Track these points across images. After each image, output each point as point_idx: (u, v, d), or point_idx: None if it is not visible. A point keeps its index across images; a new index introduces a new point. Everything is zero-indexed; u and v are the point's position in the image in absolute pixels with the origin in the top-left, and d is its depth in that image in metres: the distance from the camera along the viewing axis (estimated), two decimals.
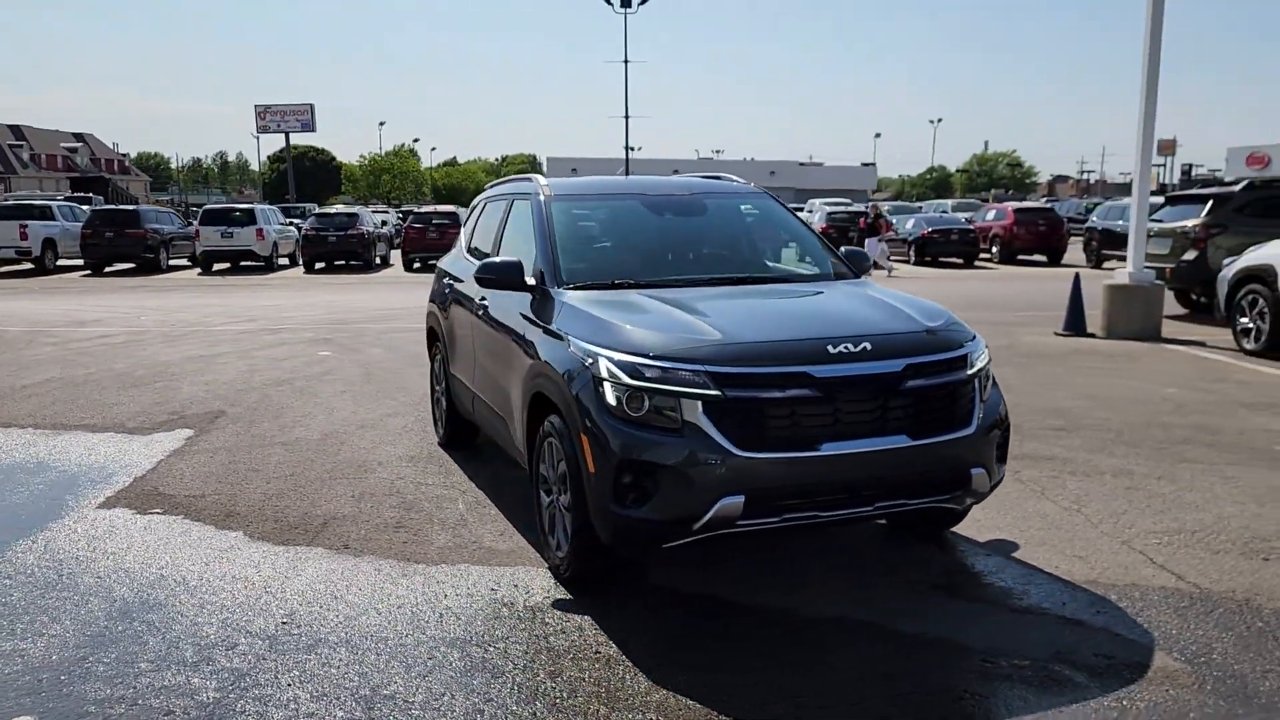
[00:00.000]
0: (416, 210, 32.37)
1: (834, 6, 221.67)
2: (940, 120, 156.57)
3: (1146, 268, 12.58)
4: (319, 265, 29.30)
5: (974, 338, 4.56)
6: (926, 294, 5.44)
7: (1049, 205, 36.59)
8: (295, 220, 36.19)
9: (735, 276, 5.35)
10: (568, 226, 5.47)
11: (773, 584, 4.60)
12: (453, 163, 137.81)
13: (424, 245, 29.00)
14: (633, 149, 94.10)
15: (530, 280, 5.15)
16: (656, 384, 4.05)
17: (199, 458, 6.96)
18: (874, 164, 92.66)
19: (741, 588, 4.55)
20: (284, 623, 4.21)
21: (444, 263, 7.32)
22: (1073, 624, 4.10)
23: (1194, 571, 4.62)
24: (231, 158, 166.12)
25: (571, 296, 4.86)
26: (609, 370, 4.16)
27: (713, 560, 4.82)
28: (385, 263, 31.51)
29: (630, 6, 47.70)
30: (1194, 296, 14.95)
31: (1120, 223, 26.73)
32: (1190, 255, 13.86)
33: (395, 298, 19.52)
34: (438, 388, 7.33)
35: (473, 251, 6.74)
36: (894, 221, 31.78)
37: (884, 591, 4.50)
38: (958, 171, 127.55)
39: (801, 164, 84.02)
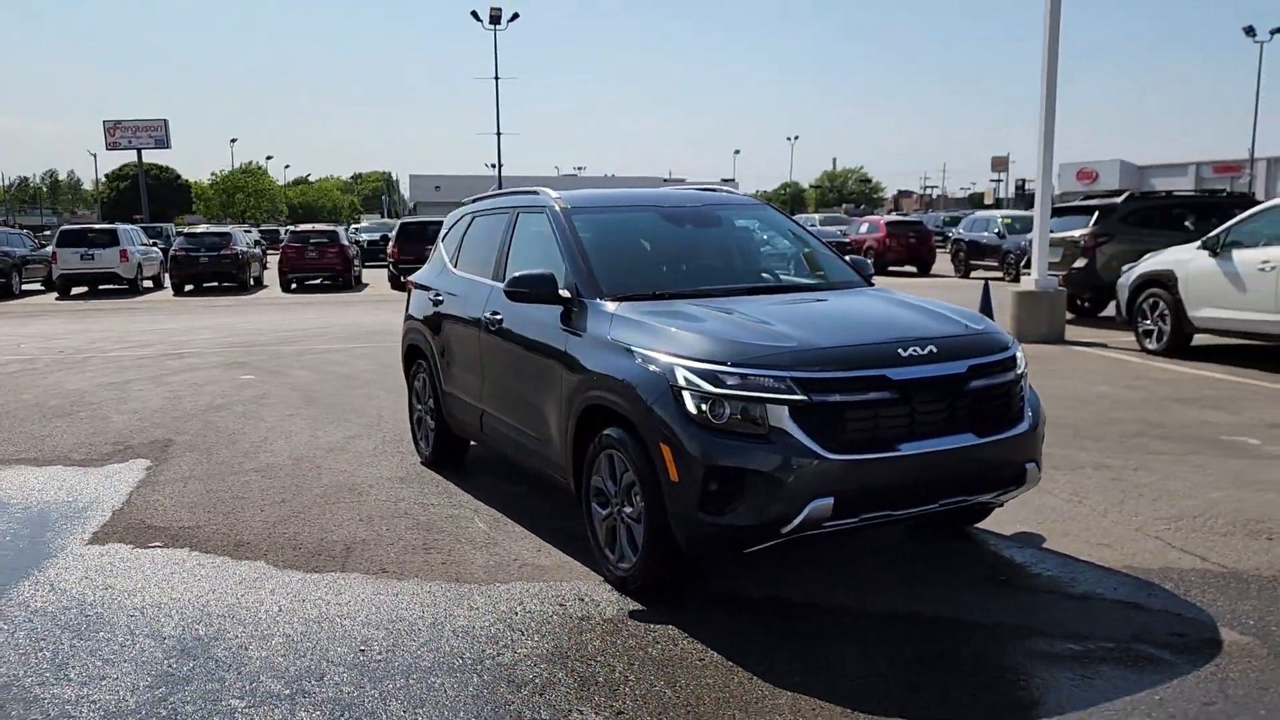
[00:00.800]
0: (295, 229, 31.34)
1: (695, 24, 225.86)
2: (797, 138, 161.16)
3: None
4: (188, 288, 28.03)
5: (1012, 339, 4.78)
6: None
7: (918, 219, 38.07)
8: (154, 241, 34.57)
9: (768, 285, 5.45)
10: (594, 238, 5.45)
11: (834, 584, 4.69)
12: (304, 180, 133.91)
13: (303, 265, 28.19)
14: (492, 166, 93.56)
15: (564, 293, 5.12)
16: (739, 391, 4.10)
17: (171, 488, 6.60)
18: (734, 179, 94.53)
19: (806, 589, 4.63)
20: (362, 650, 4.05)
21: (423, 279, 7.16)
22: (1132, 607, 4.34)
23: (1214, 553, 4.94)
24: (62, 176, 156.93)
25: (619, 307, 4.85)
26: (687, 379, 4.18)
27: (765, 563, 4.88)
28: (260, 284, 30.38)
29: (500, 24, 47.52)
30: (1080, 301, 15.90)
31: (985, 234, 28.18)
32: (1080, 263, 14.75)
33: (289, 319, 18.88)
34: (419, 406, 7.17)
35: (461, 267, 6.63)
36: None
37: (942, 586, 4.65)
38: (811, 187, 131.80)
39: (665, 179, 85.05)
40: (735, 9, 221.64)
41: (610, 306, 4.90)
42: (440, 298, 6.67)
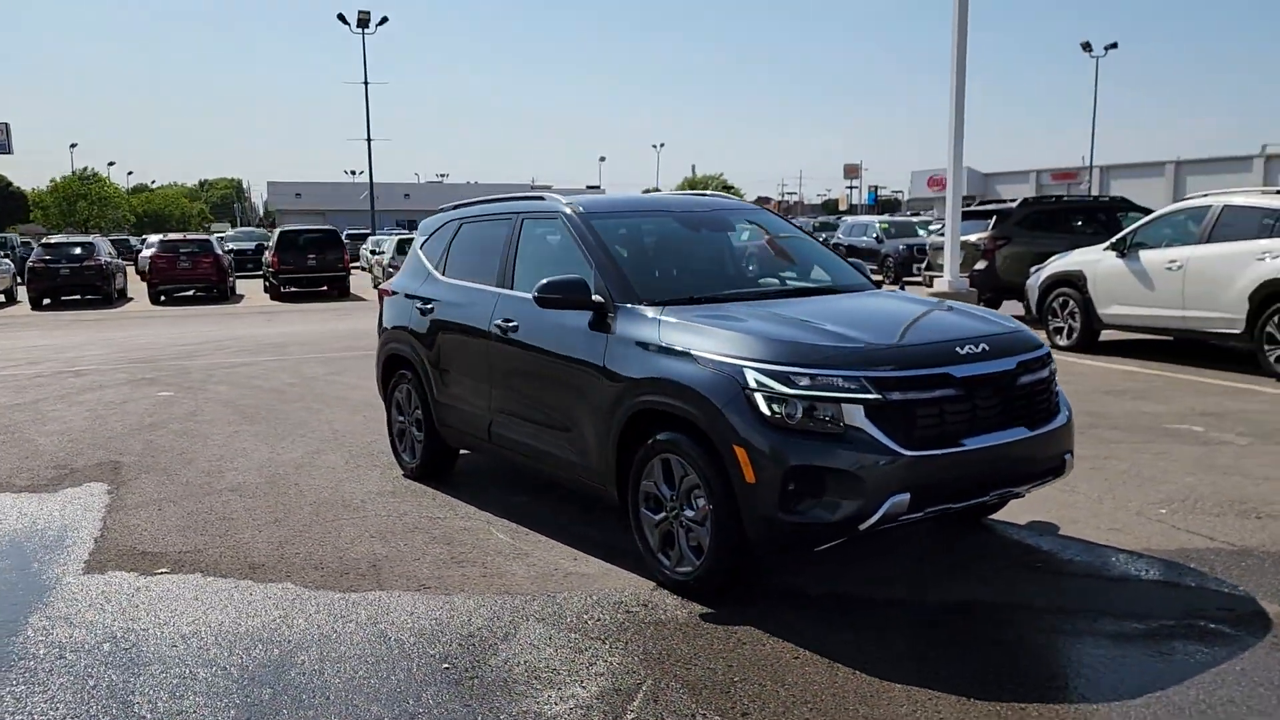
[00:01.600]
0: (165, 238, 29.93)
1: (562, 30, 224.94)
2: (663, 145, 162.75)
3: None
4: (47, 301, 26.40)
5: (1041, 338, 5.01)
6: None
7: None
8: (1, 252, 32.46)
9: (795, 288, 5.54)
10: (618, 244, 5.43)
11: (884, 578, 4.80)
12: (145, 188, 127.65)
13: (175, 277, 26.98)
14: (354, 173, 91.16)
15: (597, 298, 5.09)
16: (813, 391, 4.16)
17: (146, 512, 6.24)
18: (599, 186, 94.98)
19: (860, 584, 4.73)
20: (446, 667, 3.94)
21: (404, 288, 6.96)
22: (1171, 586, 4.60)
23: (1219, 533, 5.28)
24: None
25: (663, 312, 4.85)
26: (757, 381, 4.22)
27: (818, 560, 4.95)
28: (124, 296, 28.84)
29: (368, 28, 46.45)
30: (979, 301, 16.63)
31: (864, 239, 29.18)
32: (981, 265, 15.45)
33: (178, 333, 18.02)
34: (401, 419, 6.98)
35: (453, 274, 6.50)
36: None
37: (986, 574, 4.82)
38: (672, 194, 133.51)
39: (532, 187, 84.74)
40: (603, 14, 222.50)
41: (651, 311, 4.90)
42: (431, 306, 6.51)
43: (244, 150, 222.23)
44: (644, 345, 4.76)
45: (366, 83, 48.35)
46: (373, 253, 34.44)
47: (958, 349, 4.41)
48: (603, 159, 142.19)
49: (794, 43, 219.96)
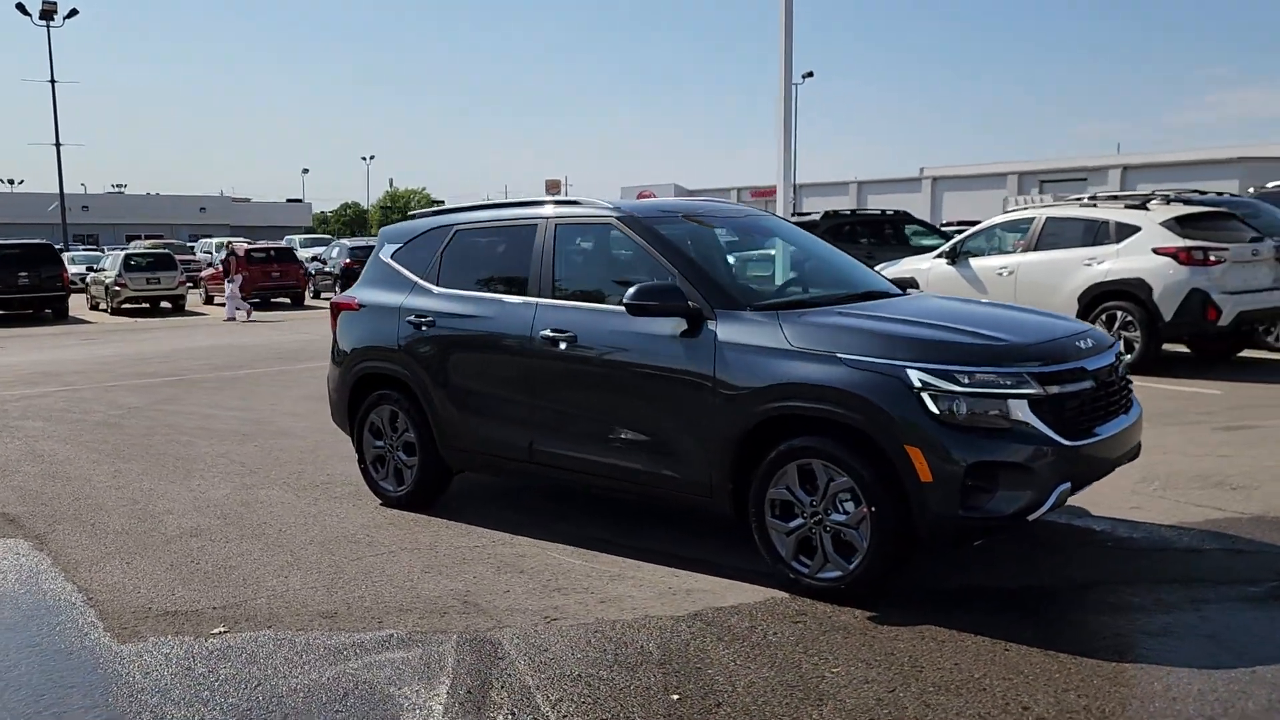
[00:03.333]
0: None
1: (262, 32, 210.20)
2: (373, 157, 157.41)
3: None
4: None
5: None
6: None
7: None
8: None
9: (866, 290, 5.60)
10: (694, 250, 5.29)
11: (967, 569, 4.94)
12: None
13: None
14: (13, 182, 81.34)
15: (693, 304, 4.94)
16: (978, 389, 4.27)
17: (112, 566, 5.33)
18: (302, 199, 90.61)
19: (980, 576, 4.88)
20: (676, 698, 3.68)
21: (376, 301, 6.38)
22: (1234, 553, 5.10)
23: (1221, 504, 5.90)
24: None
25: (782, 315, 4.79)
26: (923, 380, 4.28)
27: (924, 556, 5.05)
28: None
29: (54, 19, 41.67)
30: None
31: None
32: None
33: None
34: (380, 444, 6.39)
35: (452, 285, 6.05)
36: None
37: (1063, 556, 5.11)
38: (374, 207, 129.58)
39: (234, 200, 79.40)
40: (309, 15, 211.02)
41: (760, 316, 4.83)
42: (428, 319, 6.01)
43: None
44: (766, 351, 4.67)
45: (54, 81, 43.38)
46: (90, 268, 30.94)
47: (1079, 344, 4.69)
48: (306, 171, 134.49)
49: (492, 58, 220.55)
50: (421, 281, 6.23)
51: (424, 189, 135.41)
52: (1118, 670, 3.82)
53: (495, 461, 5.89)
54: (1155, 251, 10.43)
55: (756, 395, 4.65)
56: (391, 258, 6.52)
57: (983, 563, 5.03)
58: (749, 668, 3.92)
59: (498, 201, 6.34)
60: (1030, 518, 4.31)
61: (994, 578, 4.87)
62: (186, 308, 27.25)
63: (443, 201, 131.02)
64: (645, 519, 5.89)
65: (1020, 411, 4.29)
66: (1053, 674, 3.80)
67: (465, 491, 6.60)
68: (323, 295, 29.92)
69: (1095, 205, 11.40)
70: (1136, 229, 10.67)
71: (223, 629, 4.45)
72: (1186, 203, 11.17)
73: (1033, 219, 11.81)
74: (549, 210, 5.80)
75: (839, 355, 4.48)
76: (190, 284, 29.40)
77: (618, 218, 5.45)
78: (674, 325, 4.97)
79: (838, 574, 4.53)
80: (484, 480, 6.69)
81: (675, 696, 3.70)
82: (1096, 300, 10.80)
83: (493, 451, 5.81)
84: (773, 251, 7.53)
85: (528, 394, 5.56)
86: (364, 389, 6.48)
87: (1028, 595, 4.66)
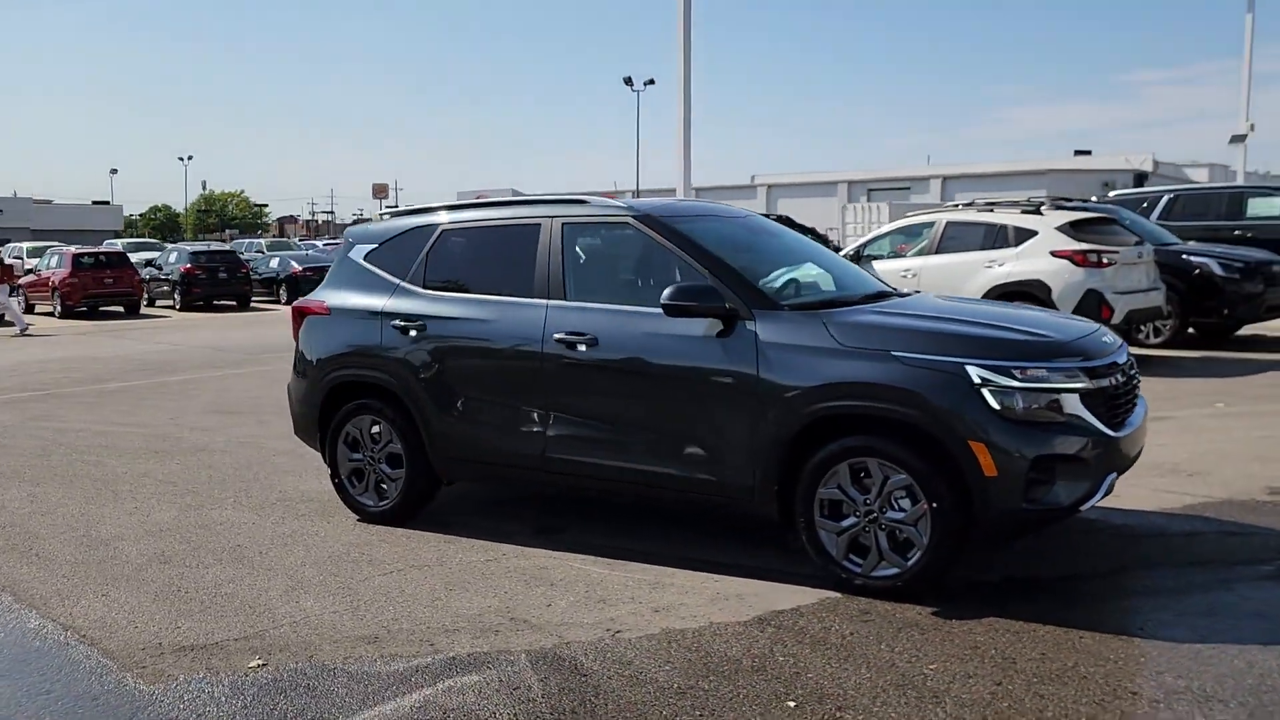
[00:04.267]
0: None
1: (61, 19, 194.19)
2: (191, 158, 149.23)
3: None
4: None
5: None
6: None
7: (229, 248, 33.25)
8: None
9: (877, 291, 5.63)
10: (720, 250, 5.19)
11: (1014, 560, 5.09)
12: None
13: None
14: None
15: (729, 305, 4.86)
16: (1033, 384, 4.37)
17: (87, 602, 4.82)
18: (109, 202, 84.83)
19: (1013, 568, 4.99)
20: (793, 705, 3.60)
21: (351, 304, 6.02)
22: (1228, 535, 5.38)
23: (1189, 489, 6.23)
24: None
25: (823, 315, 4.77)
26: (983, 377, 4.35)
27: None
28: None
29: None
30: None
31: None
32: None
33: None
34: (357, 456, 6.01)
35: (441, 288, 5.77)
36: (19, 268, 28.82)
37: (1073, 547, 5.27)
38: (189, 210, 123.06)
39: (36, 201, 73.50)
40: (117, 12, 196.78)
41: (800, 315, 4.80)
42: (419, 324, 5.70)
43: None
44: (816, 350, 4.64)
45: None
46: None
47: (1105, 339, 4.86)
48: (114, 171, 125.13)
49: (317, 58, 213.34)
50: (405, 284, 5.90)
51: (242, 191, 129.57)
52: (1195, 651, 3.96)
53: (499, 470, 5.64)
54: (1053, 254, 11.00)
55: (807, 395, 4.61)
56: (365, 259, 6.16)
57: (1003, 556, 5.14)
58: (846, 669, 3.87)
59: (486, 200, 6.09)
60: (1083, 508, 4.44)
61: (1024, 569, 4.98)
62: None
63: (265, 206, 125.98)
64: (644, 523, 5.76)
65: (1072, 405, 4.41)
66: (1138, 658, 3.91)
67: (436, 503, 6.28)
68: (159, 304, 28.15)
69: (992, 210, 11.93)
70: (1034, 233, 11.23)
71: (259, 662, 4.07)
72: (1075, 209, 11.84)
73: (933, 223, 12.27)
74: (552, 210, 5.60)
75: (894, 353, 4.49)
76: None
77: (634, 217, 5.32)
78: (706, 326, 4.88)
79: (894, 571, 4.53)
80: (452, 491, 6.38)
81: (792, 703, 3.61)
82: (998, 300, 11.30)
83: (497, 460, 5.56)
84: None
85: (539, 399, 5.34)
86: (338, 399, 6.08)
87: (1066, 584, 4.80)
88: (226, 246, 36.01)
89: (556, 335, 5.25)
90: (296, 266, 28.85)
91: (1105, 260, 10.85)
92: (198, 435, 8.90)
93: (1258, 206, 15.15)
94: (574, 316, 5.27)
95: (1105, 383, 4.57)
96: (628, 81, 59.09)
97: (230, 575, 5.14)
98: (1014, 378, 4.34)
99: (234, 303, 27.58)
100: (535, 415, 5.37)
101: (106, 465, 7.74)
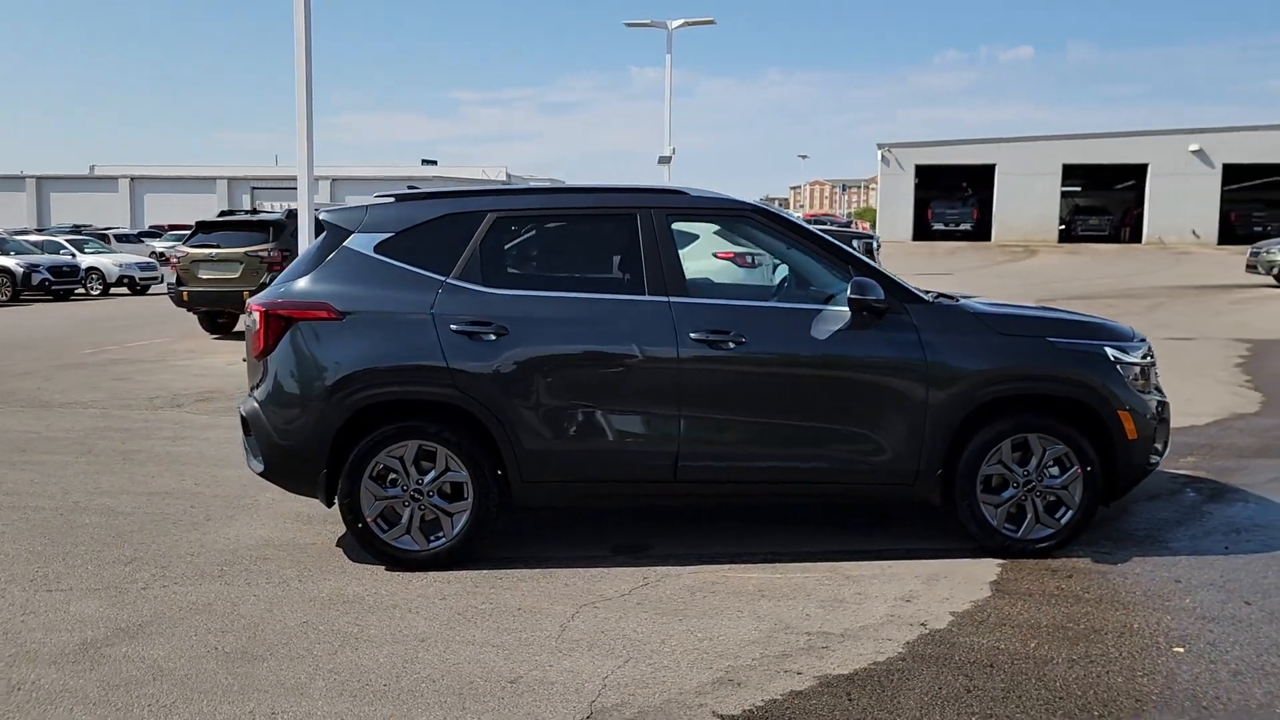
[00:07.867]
0: None
1: None
2: None
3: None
4: None
5: None
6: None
7: None
8: None
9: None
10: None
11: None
12: None
13: None
14: None
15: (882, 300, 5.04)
16: (1141, 360, 5.29)
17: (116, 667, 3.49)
18: None
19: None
20: (1181, 650, 4.04)
21: (407, 308, 4.95)
22: (1209, 489, 6.37)
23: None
24: None
25: (970, 305, 5.23)
26: (1116, 357, 5.16)
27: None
28: None
29: None
30: None
31: None
32: (267, 276, 14.67)
33: None
34: (391, 493, 4.93)
35: (512, 284, 5.04)
36: None
37: (1136, 522, 5.74)
38: None
39: None
40: None
41: (944, 305, 5.23)
42: (499, 326, 4.88)
43: None
44: (978, 339, 5.03)
45: None
46: None
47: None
48: None
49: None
50: (455, 281, 4.99)
51: None
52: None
53: (613, 489, 5.09)
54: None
55: (978, 380, 5.00)
56: (377, 251, 5.03)
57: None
58: (1133, 619, 4.33)
59: (560, 188, 5.33)
60: (1159, 467, 5.46)
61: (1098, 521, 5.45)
62: None
63: None
64: (721, 529, 5.64)
65: (1154, 376, 5.40)
66: None
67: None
68: None
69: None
70: None
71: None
72: None
73: None
74: (641, 199, 5.18)
75: (1049, 339, 5.08)
76: None
77: (761, 211, 5.25)
78: (855, 318, 4.98)
79: (1050, 531, 5.12)
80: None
81: (1180, 650, 4.02)
82: None
83: (616, 477, 5.02)
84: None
85: (674, 405, 4.97)
86: (362, 424, 4.91)
87: (1153, 530, 5.55)
88: None
89: (694, 334, 4.92)
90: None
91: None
92: (95, 498, 6.21)
93: None
94: (708, 313, 5.00)
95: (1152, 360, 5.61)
96: None
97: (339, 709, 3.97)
98: (1129, 355, 5.19)
99: None
100: (663, 424, 4.96)
101: (43, 520, 5.12)
